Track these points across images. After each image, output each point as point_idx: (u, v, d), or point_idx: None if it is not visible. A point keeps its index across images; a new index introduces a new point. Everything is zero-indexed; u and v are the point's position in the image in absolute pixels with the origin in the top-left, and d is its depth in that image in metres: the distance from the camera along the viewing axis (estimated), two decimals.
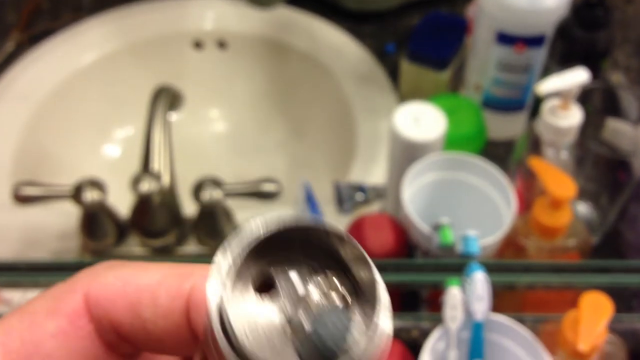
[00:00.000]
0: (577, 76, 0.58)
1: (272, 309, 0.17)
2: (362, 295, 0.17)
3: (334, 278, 0.17)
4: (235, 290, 0.17)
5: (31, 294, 0.60)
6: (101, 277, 0.20)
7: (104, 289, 0.19)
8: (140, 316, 0.19)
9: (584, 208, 0.70)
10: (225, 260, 0.16)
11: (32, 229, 0.71)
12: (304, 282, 0.17)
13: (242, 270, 0.17)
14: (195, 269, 0.19)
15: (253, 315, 0.17)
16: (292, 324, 0.17)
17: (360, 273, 0.17)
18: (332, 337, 0.16)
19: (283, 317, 0.17)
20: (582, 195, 0.69)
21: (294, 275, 0.17)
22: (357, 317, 0.17)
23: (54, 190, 0.64)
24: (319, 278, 0.17)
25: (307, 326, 0.16)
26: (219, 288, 0.16)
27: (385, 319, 0.17)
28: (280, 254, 0.17)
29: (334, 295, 0.17)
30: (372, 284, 0.17)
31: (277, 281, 0.17)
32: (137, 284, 0.19)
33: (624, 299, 0.61)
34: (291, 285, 0.17)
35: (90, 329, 0.19)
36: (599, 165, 0.69)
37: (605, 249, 0.69)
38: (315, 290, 0.17)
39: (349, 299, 0.17)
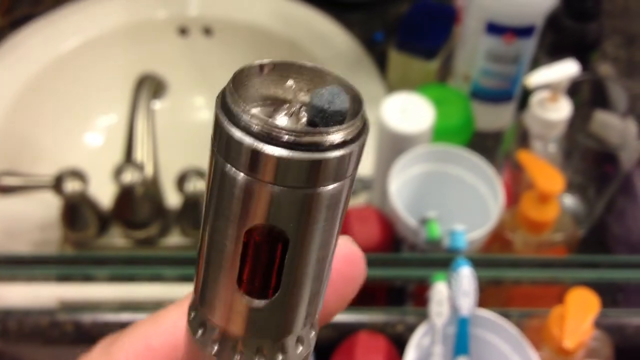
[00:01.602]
0: (567, 69, 0.58)
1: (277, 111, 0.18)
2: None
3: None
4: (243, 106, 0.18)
5: (10, 288, 0.59)
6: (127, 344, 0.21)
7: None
8: None
9: (571, 200, 0.70)
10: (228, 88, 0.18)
11: (12, 219, 0.69)
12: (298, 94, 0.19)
13: (243, 95, 0.18)
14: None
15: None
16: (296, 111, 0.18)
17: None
18: (330, 98, 0.17)
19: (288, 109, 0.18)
20: (570, 187, 0.68)
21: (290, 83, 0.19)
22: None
23: (34, 180, 0.63)
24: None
25: (308, 100, 0.18)
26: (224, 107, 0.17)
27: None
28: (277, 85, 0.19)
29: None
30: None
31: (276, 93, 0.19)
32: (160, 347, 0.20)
33: (609, 293, 0.61)
34: (290, 92, 0.19)
35: None
36: (586, 158, 0.68)
37: (592, 242, 0.68)
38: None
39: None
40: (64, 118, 0.84)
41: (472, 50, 0.72)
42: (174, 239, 0.68)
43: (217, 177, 0.18)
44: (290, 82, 0.19)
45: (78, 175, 0.62)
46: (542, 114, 0.59)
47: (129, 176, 0.61)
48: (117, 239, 0.66)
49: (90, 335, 0.56)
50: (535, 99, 0.60)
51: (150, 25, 0.89)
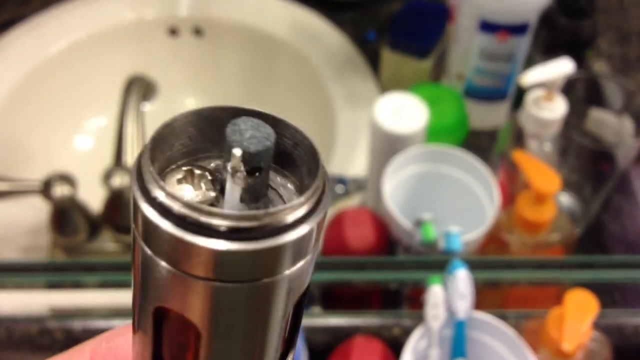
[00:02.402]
0: (562, 67, 0.57)
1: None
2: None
3: None
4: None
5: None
6: (103, 344, 0.22)
7: (103, 354, 0.22)
8: None
9: (567, 199, 0.69)
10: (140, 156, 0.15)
11: (1, 225, 0.68)
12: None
13: (163, 161, 0.16)
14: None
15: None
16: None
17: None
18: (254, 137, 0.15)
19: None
20: (565, 186, 0.68)
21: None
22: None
23: (23, 185, 0.62)
24: None
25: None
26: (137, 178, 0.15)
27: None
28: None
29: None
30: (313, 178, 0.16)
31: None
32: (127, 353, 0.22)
33: (606, 294, 0.60)
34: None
35: None
36: (582, 156, 0.68)
37: (588, 241, 0.68)
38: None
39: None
40: (52, 121, 0.83)
41: (466, 48, 0.71)
42: None
43: (141, 261, 0.15)
44: (227, 130, 0.16)
45: (67, 179, 0.61)
46: (537, 112, 0.59)
47: (119, 180, 0.61)
48: (107, 244, 0.65)
49: (81, 342, 0.55)
50: (530, 97, 0.60)
51: (139, 26, 0.88)
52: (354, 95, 0.80)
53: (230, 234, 0.14)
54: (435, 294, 0.51)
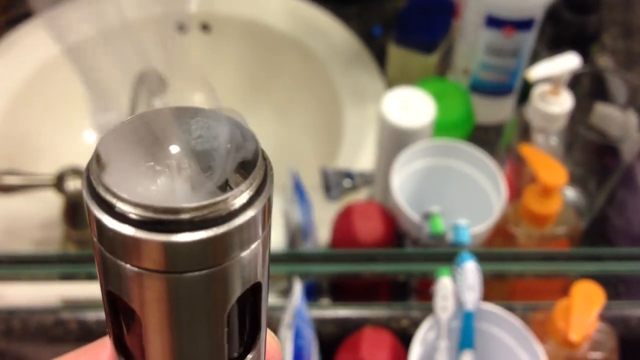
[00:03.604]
0: (568, 61, 0.58)
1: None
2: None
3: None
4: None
5: (13, 287, 0.58)
6: None
7: None
8: None
9: (572, 193, 0.70)
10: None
11: (14, 218, 0.69)
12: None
13: (112, 165, 0.16)
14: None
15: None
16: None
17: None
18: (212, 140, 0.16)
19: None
20: (571, 180, 0.68)
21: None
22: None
23: (36, 179, 0.63)
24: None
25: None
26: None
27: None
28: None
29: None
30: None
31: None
32: None
33: (612, 285, 0.61)
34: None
35: None
36: (587, 151, 0.68)
37: (593, 234, 0.69)
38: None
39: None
40: (63, 116, 0.84)
41: (472, 43, 0.72)
42: None
43: (98, 256, 0.16)
44: (166, 130, 0.17)
45: (79, 173, 0.62)
46: (543, 107, 0.59)
47: None
48: None
49: (95, 333, 0.56)
50: (536, 92, 0.60)
51: (147, 23, 0.88)
52: (360, 90, 0.81)
53: (173, 227, 0.15)
54: (444, 285, 0.51)
